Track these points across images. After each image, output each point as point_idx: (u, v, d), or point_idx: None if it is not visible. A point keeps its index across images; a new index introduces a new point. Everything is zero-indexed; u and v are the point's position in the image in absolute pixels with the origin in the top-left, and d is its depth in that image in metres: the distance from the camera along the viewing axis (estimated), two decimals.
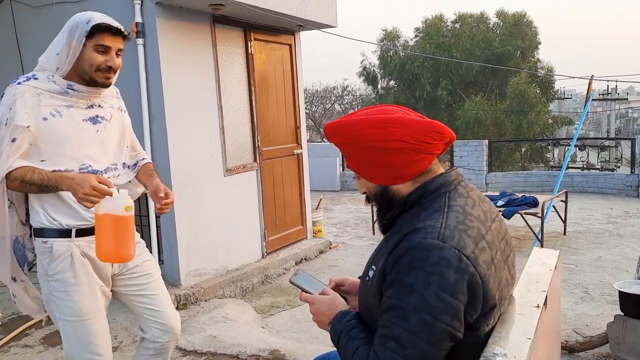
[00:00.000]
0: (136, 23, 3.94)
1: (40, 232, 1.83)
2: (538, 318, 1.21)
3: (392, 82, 26.37)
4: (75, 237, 1.83)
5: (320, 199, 6.13)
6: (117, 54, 1.85)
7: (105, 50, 1.80)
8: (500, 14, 25.71)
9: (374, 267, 1.22)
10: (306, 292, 1.41)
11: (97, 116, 1.89)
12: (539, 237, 5.29)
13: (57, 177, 1.74)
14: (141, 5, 3.95)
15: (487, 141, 9.27)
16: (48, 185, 1.74)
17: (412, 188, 1.23)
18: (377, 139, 1.19)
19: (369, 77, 26.12)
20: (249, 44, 4.90)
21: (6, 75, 4.78)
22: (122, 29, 1.85)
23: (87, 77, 1.82)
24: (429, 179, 1.22)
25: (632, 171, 8.54)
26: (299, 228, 5.69)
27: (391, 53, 26.28)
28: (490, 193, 6.16)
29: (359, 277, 1.36)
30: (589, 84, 6.06)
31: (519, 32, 24.81)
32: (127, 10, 3.98)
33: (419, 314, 1.05)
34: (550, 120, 24.03)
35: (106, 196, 1.68)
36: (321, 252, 5.74)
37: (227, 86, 4.68)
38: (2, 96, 1.79)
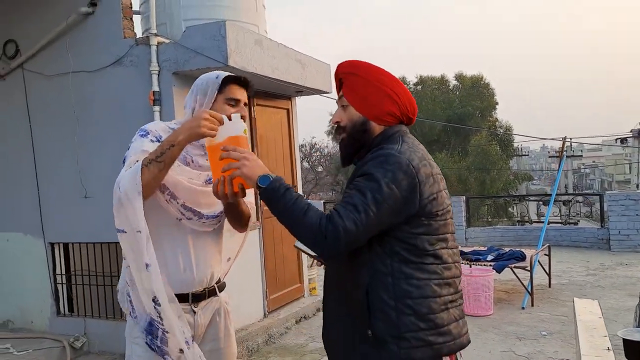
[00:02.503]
0: (153, 92, 4.13)
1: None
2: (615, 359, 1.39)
3: None
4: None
5: (315, 256, 6.24)
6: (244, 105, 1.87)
7: (236, 103, 1.82)
8: (459, 77, 27.14)
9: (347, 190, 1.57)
10: (309, 254, 1.73)
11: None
12: (529, 289, 5.53)
13: (168, 137, 1.67)
14: (158, 75, 4.15)
15: (464, 197, 9.69)
16: (164, 152, 1.64)
17: (379, 131, 1.62)
18: (383, 84, 1.61)
19: None
20: (252, 109, 5.14)
21: (15, 143, 4.86)
22: (249, 80, 1.87)
23: None
24: (388, 127, 1.63)
25: (602, 225, 9.05)
26: (297, 286, 5.76)
27: None
28: (477, 248, 6.42)
29: None
30: (562, 144, 6.56)
31: (477, 94, 26.19)
32: (145, 80, 4.17)
33: (373, 194, 1.43)
34: (511, 177, 25.05)
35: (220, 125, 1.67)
36: (318, 309, 5.79)
37: None
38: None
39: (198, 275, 1.84)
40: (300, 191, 5.94)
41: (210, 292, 1.89)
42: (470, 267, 5.81)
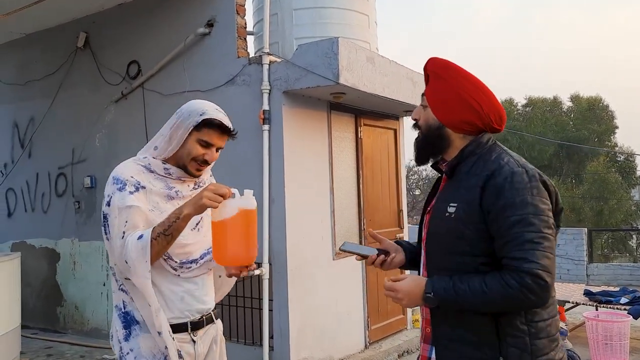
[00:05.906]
0: (263, 110, 4.09)
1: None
2: None
3: None
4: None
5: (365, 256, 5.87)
6: (216, 150, 1.85)
7: (206, 145, 1.81)
8: (574, 98, 25.32)
9: (453, 204, 1.50)
10: (359, 255, 1.72)
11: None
12: None
13: (174, 212, 1.70)
14: (269, 93, 4.11)
15: (586, 229, 8.77)
16: (171, 225, 1.68)
17: (465, 142, 1.55)
18: (466, 91, 1.53)
19: None
20: (359, 129, 4.98)
21: (133, 154, 5.06)
22: (232, 129, 1.84)
23: (181, 163, 1.84)
24: (477, 135, 1.55)
25: None
26: (399, 317, 5.43)
27: None
28: (606, 288, 5.69)
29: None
30: None
31: (594, 116, 24.22)
32: (256, 98, 4.15)
33: (538, 217, 1.40)
34: (633, 207, 22.64)
35: (227, 199, 1.67)
36: None
37: (338, 169, 4.71)
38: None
39: (196, 303, 1.84)
40: (405, 214, 5.64)
41: (207, 320, 1.89)
42: (597, 309, 5.14)
